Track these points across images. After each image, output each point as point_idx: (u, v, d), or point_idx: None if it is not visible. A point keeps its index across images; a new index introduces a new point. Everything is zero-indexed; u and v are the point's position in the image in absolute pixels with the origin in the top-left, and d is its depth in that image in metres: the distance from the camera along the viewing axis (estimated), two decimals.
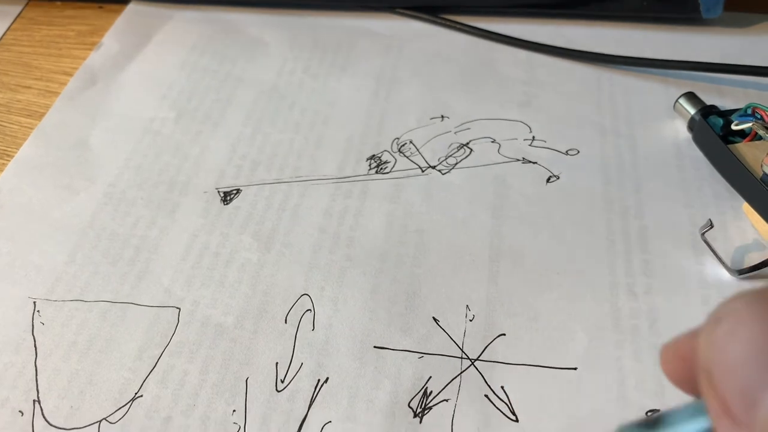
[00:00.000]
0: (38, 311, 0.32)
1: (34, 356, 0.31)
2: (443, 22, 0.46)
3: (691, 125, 0.38)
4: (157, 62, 0.45)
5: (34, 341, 0.31)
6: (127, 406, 0.29)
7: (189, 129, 0.40)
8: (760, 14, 0.46)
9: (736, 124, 0.35)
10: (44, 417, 0.29)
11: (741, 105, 0.37)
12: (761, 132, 0.34)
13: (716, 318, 0.14)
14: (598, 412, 0.28)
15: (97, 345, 0.31)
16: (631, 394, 0.28)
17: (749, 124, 0.35)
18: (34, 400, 0.29)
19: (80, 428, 0.28)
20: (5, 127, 0.41)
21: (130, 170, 0.38)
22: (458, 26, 0.46)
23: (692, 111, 0.38)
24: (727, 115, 0.36)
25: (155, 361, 0.30)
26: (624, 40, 0.45)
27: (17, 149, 0.40)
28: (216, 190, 0.37)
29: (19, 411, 0.29)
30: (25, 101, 0.43)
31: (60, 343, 0.31)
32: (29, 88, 0.44)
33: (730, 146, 0.34)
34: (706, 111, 0.37)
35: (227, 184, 0.37)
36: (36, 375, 0.30)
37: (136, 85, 0.44)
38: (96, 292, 0.33)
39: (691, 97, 0.38)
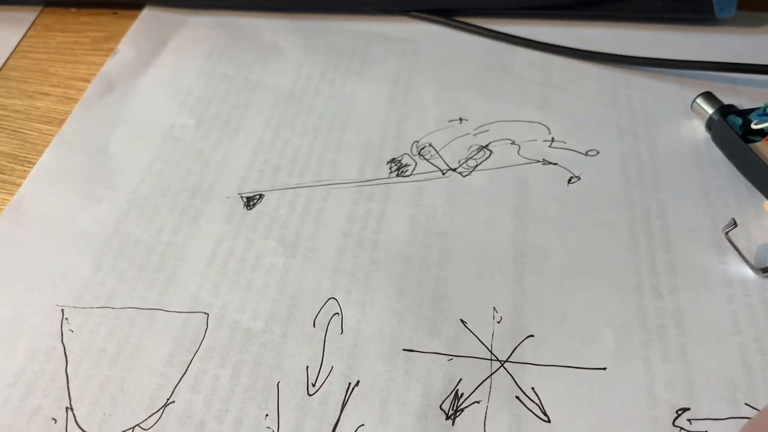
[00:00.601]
0: (66, 319, 0.32)
1: (65, 364, 0.31)
2: (458, 24, 0.46)
3: (710, 125, 0.38)
4: (174, 68, 0.45)
5: (64, 349, 0.31)
6: (160, 412, 0.29)
7: (209, 135, 0.41)
8: None
9: (756, 123, 0.35)
10: (77, 424, 0.29)
11: (757, 104, 0.37)
12: None
13: None
14: (628, 411, 0.28)
15: (126, 351, 0.31)
16: (660, 393, 0.28)
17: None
18: (66, 408, 0.29)
19: None
20: (26, 134, 0.42)
21: (152, 177, 0.38)
22: (473, 29, 0.46)
23: (710, 111, 0.38)
24: (745, 114, 0.37)
25: (186, 367, 0.30)
26: (638, 40, 0.45)
27: (38, 156, 0.40)
28: (239, 196, 0.37)
29: (53, 419, 0.29)
30: (43, 108, 0.43)
31: (90, 350, 0.31)
32: (47, 94, 0.44)
33: (750, 145, 0.35)
34: (725, 110, 0.37)
35: (250, 189, 0.38)
36: (67, 382, 0.30)
37: (153, 91, 0.44)
38: (123, 299, 0.33)
39: (708, 96, 0.38)
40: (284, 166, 0.39)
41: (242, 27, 0.48)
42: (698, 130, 0.39)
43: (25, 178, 0.39)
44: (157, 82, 0.44)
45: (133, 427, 0.29)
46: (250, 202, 0.37)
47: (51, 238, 0.36)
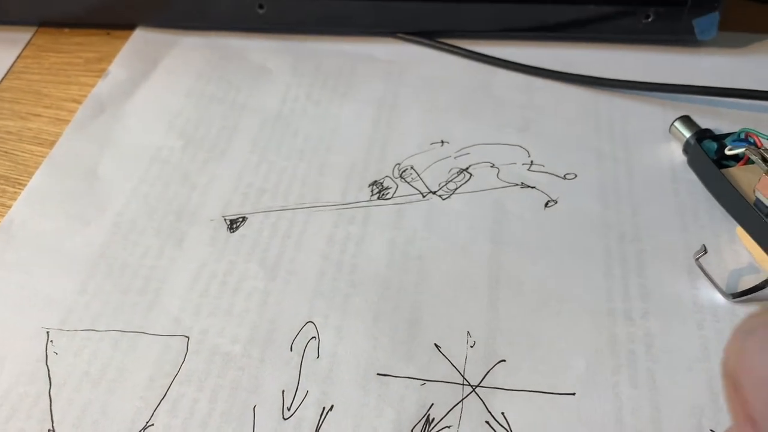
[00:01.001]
0: (51, 341, 0.33)
1: (48, 386, 0.32)
2: (442, 46, 0.47)
3: (686, 149, 0.38)
4: (164, 90, 0.46)
5: (48, 371, 0.32)
6: None
7: (196, 158, 0.41)
8: (755, 34, 0.47)
9: (730, 149, 0.36)
10: None
11: (738, 127, 0.37)
12: (753, 157, 0.35)
13: (747, 329, 0.15)
14: None
15: (109, 374, 0.32)
16: (627, 419, 0.29)
17: (742, 149, 0.35)
18: (48, 430, 0.30)
19: None
20: (17, 155, 0.43)
21: (138, 199, 0.39)
22: (457, 50, 0.47)
23: (687, 134, 0.38)
24: (721, 139, 0.37)
25: (165, 390, 0.31)
26: (620, 62, 0.45)
27: (29, 178, 0.41)
28: (223, 218, 0.38)
29: None
30: (36, 129, 0.44)
31: (73, 373, 0.32)
32: (39, 116, 0.45)
33: (723, 170, 0.35)
34: (701, 135, 0.38)
35: (234, 211, 0.38)
36: (50, 405, 0.31)
37: (143, 113, 0.45)
38: (107, 322, 0.34)
39: (686, 120, 0.39)
40: (269, 188, 0.39)
41: (231, 48, 0.49)
42: (676, 153, 0.39)
43: (15, 200, 0.40)
44: (147, 104, 0.45)
45: None
46: (234, 224, 0.38)
47: (39, 261, 0.37)
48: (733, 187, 0.34)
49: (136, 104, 0.45)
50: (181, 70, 0.47)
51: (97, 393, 0.31)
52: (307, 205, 0.38)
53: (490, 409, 0.30)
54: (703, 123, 0.39)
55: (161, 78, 0.47)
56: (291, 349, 0.32)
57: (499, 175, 0.39)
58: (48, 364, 0.32)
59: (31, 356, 0.33)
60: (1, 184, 0.41)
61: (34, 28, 0.52)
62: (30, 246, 0.37)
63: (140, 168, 0.41)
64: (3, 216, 0.39)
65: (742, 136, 0.36)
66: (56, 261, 0.36)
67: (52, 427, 0.30)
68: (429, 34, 0.48)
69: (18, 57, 0.49)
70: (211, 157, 0.41)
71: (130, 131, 0.43)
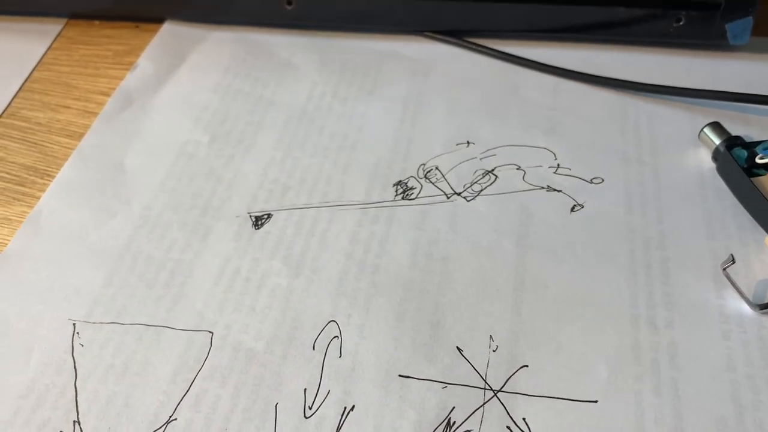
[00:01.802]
0: (77, 333, 0.34)
1: (74, 378, 0.32)
2: (470, 45, 0.47)
3: (716, 156, 0.38)
4: (191, 84, 0.46)
5: (74, 363, 0.33)
6: (162, 428, 0.30)
7: (222, 152, 0.42)
8: None
9: (761, 158, 0.35)
10: None
11: (766, 136, 0.37)
12: None
13: None
14: None
15: (133, 368, 0.32)
16: (649, 428, 0.29)
17: None
18: (74, 421, 0.31)
19: None
20: (46, 147, 0.43)
21: (165, 193, 0.40)
22: (485, 50, 0.46)
23: (717, 141, 0.38)
24: (751, 146, 0.37)
25: (189, 385, 0.31)
26: (650, 65, 0.45)
27: (57, 169, 0.41)
28: (248, 215, 0.38)
29: (60, 431, 0.30)
30: (64, 121, 0.45)
31: (98, 365, 0.32)
32: (68, 108, 0.46)
33: (753, 179, 0.35)
34: (731, 142, 0.37)
35: (259, 208, 0.38)
36: (76, 396, 0.31)
37: (170, 107, 0.45)
38: (132, 315, 0.34)
39: (716, 126, 0.39)
40: (293, 185, 0.40)
41: (259, 43, 0.49)
42: (705, 159, 0.39)
43: (44, 191, 0.40)
44: (174, 98, 0.45)
45: None
46: (259, 221, 0.38)
47: (66, 253, 0.37)
48: (764, 196, 0.34)
49: (163, 98, 0.46)
50: (208, 64, 0.48)
51: (122, 386, 0.32)
52: (331, 204, 0.38)
53: (511, 415, 0.30)
54: (733, 130, 0.39)
55: (189, 72, 0.47)
56: (313, 348, 0.32)
57: (525, 178, 0.39)
58: (74, 355, 0.33)
59: (57, 347, 0.33)
60: (30, 174, 0.41)
61: (64, 20, 0.52)
62: (57, 237, 0.38)
63: (167, 162, 0.41)
64: (32, 206, 0.39)
65: None
66: (83, 253, 0.37)
67: (78, 418, 0.31)
68: (457, 34, 0.47)
69: (48, 48, 0.50)
70: (237, 153, 0.42)
71: (157, 125, 0.44)
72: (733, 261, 0.33)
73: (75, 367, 0.32)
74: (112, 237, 0.38)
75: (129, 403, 0.31)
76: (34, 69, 0.48)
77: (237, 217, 0.38)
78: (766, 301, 0.32)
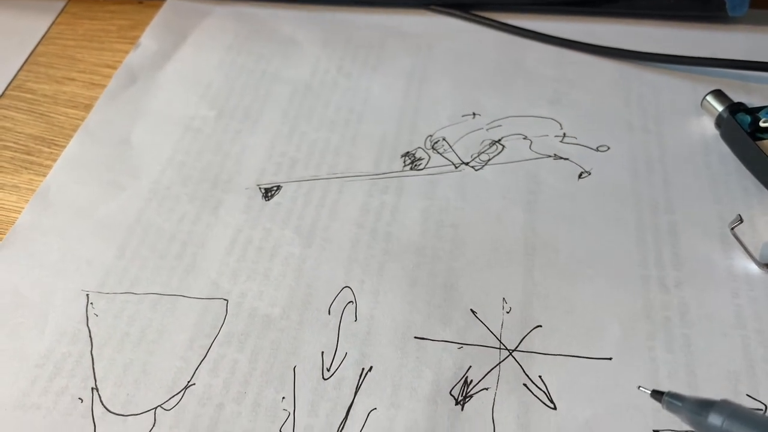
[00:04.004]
0: (91, 303, 0.34)
1: (90, 346, 0.32)
2: (475, 18, 0.47)
3: (719, 122, 0.38)
4: (195, 61, 0.46)
5: (89, 332, 0.33)
6: (181, 393, 0.30)
7: (229, 127, 0.42)
8: None
9: (765, 121, 0.36)
10: (103, 404, 0.30)
11: None
12: None
13: None
14: (632, 399, 0.29)
15: (149, 335, 0.32)
16: (663, 383, 0.29)
17: None
18: (92, 388, 0.31)
19: (137, 415, 0.30)
20: (53, 117, 0.43)
21: (173, 168, 0.40)
22: (489, 23, 0.47)
23: (720, 108, 0.38)
24: (754, 112, 0.37)
25: (206, 351, 0.32)
26: (651, 37, 0.45)
27: (64, 139, 0.42)
28: (257, 187, 0.38)
29: (79, 398, 0.30)
30: (70, 93, 0.45)
31: (113, 334, 0.32)
32: (74, 80, 0.46)
33: (758, 143, 0.35)
34: (734, 108, 0.38)
35: (268, 180, 0.39)
36: (93, 364, 0.31)
37: (175, 83, 0.45)
38: (145, 285, 0.34)
39: (718, 94, 0.39)
40: (301, 158, 0.40)
41: (262, 19, 0.49)
42: (708, 127, 0.39)
43: (52, 160, 0.40)
44: (179, 75, 0.45)
45: (155, 408, 0.30)
46: (268, 193, 0.38)
47: (76, 226, 0.37)
48: None
49: (167, 75, 0.45)
50: (211, 41, 0.48)
51: (139, 353, 0.32)
52: (340, 175, 0.39)
53: (527, 373, 0.30)
54: (735, 97, 0.39)
55: (192, 49, 0.47)
56: (329, 313, 0.33)
57: (532, 147, 0.39)
58: (89, 325, 0.33)
59: (72, 318, 0.33)
60: (38, 144, 0.41)
61: None
62: (67, 212, 0.38)
63: (173, 137, 0.41)
64: (40, 175, 0.39)
65: None
66: (93, 226, 0.37)
67: (95, 384, 0.31)
68: (461, 7, 0.48)
69: (53, 23, 0.50)
70: (244, 128, 0.42)
71: (162, 101, 0.44)
72: (741, 220, 0.33)
73: (90, 336, 0.32)
74: (121, 210, 0.38)
75: (146, 369, 0.31)
76: (38, 43, 0.48)
77: (246, 189, 0.38)
78: None
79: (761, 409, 0.28)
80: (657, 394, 0.26)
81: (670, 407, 0.26)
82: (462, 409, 0.29)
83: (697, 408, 0.25)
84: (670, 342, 0.31)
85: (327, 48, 0.47)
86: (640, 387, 0.28)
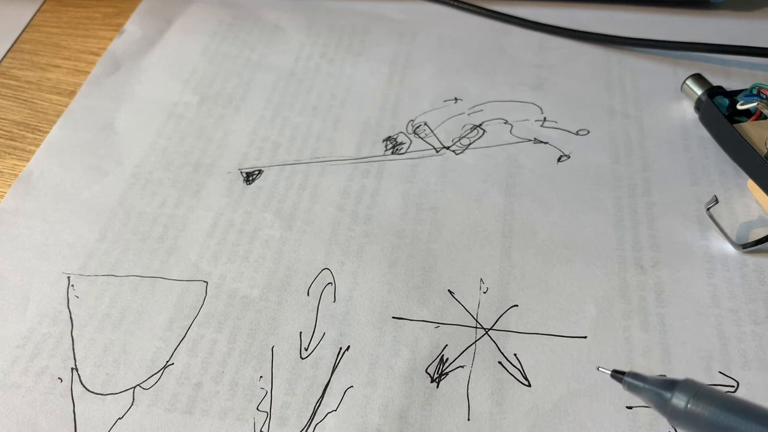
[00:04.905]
0: (72, 285, 0.34)
1: (71, 327, 0.32)
2: (458, 4, 0.47)
3: (698, 105, 0.39)
4: (179, 47, 0.46)
5: (70, 313, 0.33)
6: (160, 373, 0.31)
7: (212, 113, 0.42)
8: None
9: (742, 104, 0.36)
10: (82, 383, 0.30)
11: (747, 85, 0.38)
12: (766, 111, 0.35)
13: None
14: (606, 377, 0.29)
15: (129, 317, 0.33)
16: (638, 361, 0.30)
17: (754, 104, 0.36)
18: (71, 368, 0.31)
19: (116, 394, 0.30)
20: (37, 104, 0.43)
21: (156, 152, 0.40)
22: (472, 8, 0.47)
23: (699, 92, 0.39)
24: (732, 95, 0.37)
25: (185, 332, 0.32)
26: (633, 23, 0.46)
27: (48, 125, 0.42)
28: (239, 171, 0.39)
29: (59, 378, 0.31)
30: (54, 80, 0.45)
31: (94, 315, 0.33)
32: (58, 67, 0.46)
33: (735, 125, 0.36)
34: (713, 92, 0.38)
35: (249, 165, 0.39)
36: (73, 345, 0.32)
37: (159, 70, 0.45)
38: (126, 268, 0.34)
39: (697, 78, 0.39)
40: (283, 143, 0.40)
41: (246, 5, 0.49)
42: (687, 110, 0.40)
43: (35, 146, 0.40)
44: (162, 61, 0.46)
45: (134, 387, 0.30)
46: (250, 177, 0.38)
47: (58, 209, 0.37)
48: (745, 140, 0.35)
49: (151, 61, 0.46)
50: (195, 28, 0.48)
51: (118, 334, 0.32)
52: (322, 159, 0.39)
53: (502, 351, 0.30)
54: (715, 81, 0.40)
55: (176, 36, 0.47)
56: (308, 294, 0.33)
57: (513, 131, 0.40)
58: (70, 307, 0.33)
59: (53, 299, 0.33)
60: (22, 130, 0.42)
61: None
62: (50, 196, 0.38)
63: (157, 122, 0.42)
64: (23, 160, 0.40)
65: (755, 91, 0.36)
66: (75, 210, 0.37)
67: (75, 365, 0.31)
68: None
69: (37, 11, 0.50)
70: (227, 113, 0.42)
71: (146, 87, 0.44)
72: (717, 201, 0.33)
73: (71, 318, 0.33)
74: (104, 195, 0.38)
75: (126, 350, 0.31)
76: (23, 31, 0.48)
77: (228, 173, 0.39)
78: (748, 241, 0.33)
79: (732, 387, 0.29)
80: (618, 375, 0.25)
81: (632, 388, 0.24)
82: (437, 387, 0.29)
83: (660, 389, 0.23)
84: (645, 321, 0.31)
85: (311, 34, 0.47)
86: (599, 368, 0.27)
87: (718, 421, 0.22)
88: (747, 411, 0.22)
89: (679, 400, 0.23)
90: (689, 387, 0.23)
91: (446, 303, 0.32)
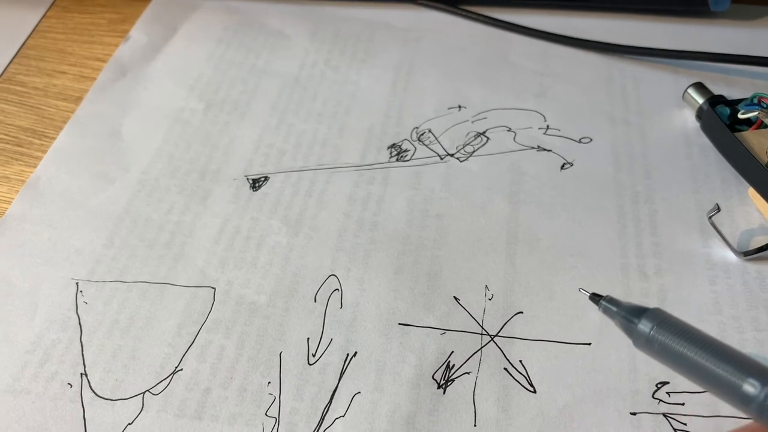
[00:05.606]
0: (81, 291, 0.34)
1: (80, 333, 0.33)
2: (462, 12, 0.48)
3: (699, 114, 0.39)
4: (185, 54, 0.47)
5: (79, 319, 0.33)
6: (169, 378, 0.31)
7: (217, 119, 0.42)
8: (767, 7, 0.47)
9: (743, 113, 0.37)
10: (92, 389, 0.31)
11: (748, 94, 0.38)
12: (767, 120, 0.35)
13: None
14: (610, 383, 0.30)
15: (138, 322, 0.33)
16: (641, 368, 0.30)
17: (755, 113, 0.36)
18: (81, 374, 0.31)
19: (125, 399, 0.30)
20: (43, 110, 0.43)
21: (162, 159, 0.40)
22: (476, 17, 0.47)
23: (700, 100, 0.39)
24: (734, 104, 0.38)
25: (193, 338, 0.32)
26: (635, 31, 0.46)
27: (54, 131, 0.42)
28: (245, 178, 0.39)
29: (68, 383, 0.31)
30: (60, 86, 0.45)
31: (103, 321, 0.33)
32: (64, 73, 0.46)
33: (736, 134, 0.36)
34: (714, 100, 0.38)
35: (255, 171, 0.39)
36: (82, 350, 0.32)
37: (164, 76, 0.45)
38: (134, 274, 0.35)
39: (699, 87, 0.40)
40: (289, 149, 0.40)
41: (251, 12, 0.50)
42: (689, 119, 0.40)
43: (42, 151, 0.41)
44: (168, 68, 0.46)
45: (144, 393, 0.30)
46: (256, 183, 0.39)
47: (66, 216, 0.37)
48: (746, 149, 0.35)
49: (157, 68, 0.46)
50: (201, 34, 0.48)
51: (127, 339, 0.32)
52: (327, 166, 0.39)
53: (508, 357, 0.31)
54: (716, 90, 0.40)
55: (182, 42, 0.48)
56: (315, 300, 0.33)
57: (516, 139, 0.40)
58: (78, 312, 0.33)
59: (61, 305, 0.34)
60: (28, 136, 0.42)
61: None
62: (57, 202, 0.38)
63: (163, 129, 0.42)
64: (30, 166, 0.40)
65: (755, 100, 0.37)
66: (82, 216, 0.37)
67: (85, 370, 0.31)
68: (449, 1, 0.48)
69: (43, 17, 0.50)
70: (232, 120, 0.42)
71: (152, 94, 0.44)
72: (719, 209, 0.34)
73: (80, 323, 0.33)
74: (111, 201, 0.38)
75: (135, 355, 0.32)
76: (28, 37, 0.48)
77: (234, 180, 0.39)
78: (749, 248, 0.33)
79: None
80: (595, 297, 0.28)
81: (607, 311, 0.27)
82: (444, 393, 0.30)
83: (630, 314, 0.26)
84: None
85: (315, 41, 0.47)
86: (580, 289, 0.30)
87: (675, 349, 0.25)
88: (703, 342, 0.24)
89: (644, 327, 0.26)
90: (655, 315, 0.26)
91: (452, 309, 0.32)
